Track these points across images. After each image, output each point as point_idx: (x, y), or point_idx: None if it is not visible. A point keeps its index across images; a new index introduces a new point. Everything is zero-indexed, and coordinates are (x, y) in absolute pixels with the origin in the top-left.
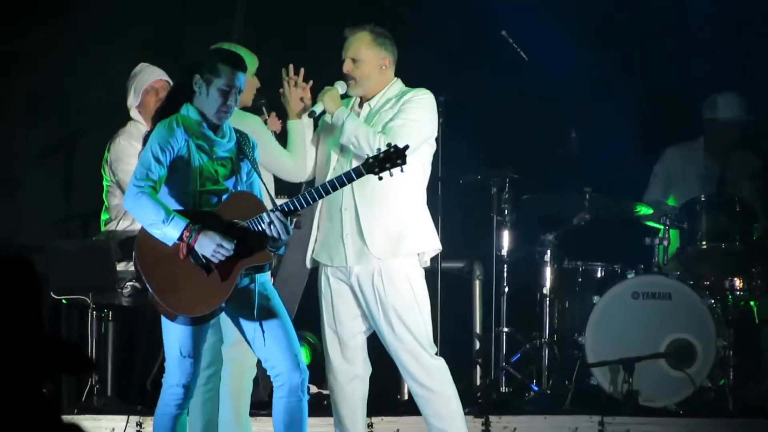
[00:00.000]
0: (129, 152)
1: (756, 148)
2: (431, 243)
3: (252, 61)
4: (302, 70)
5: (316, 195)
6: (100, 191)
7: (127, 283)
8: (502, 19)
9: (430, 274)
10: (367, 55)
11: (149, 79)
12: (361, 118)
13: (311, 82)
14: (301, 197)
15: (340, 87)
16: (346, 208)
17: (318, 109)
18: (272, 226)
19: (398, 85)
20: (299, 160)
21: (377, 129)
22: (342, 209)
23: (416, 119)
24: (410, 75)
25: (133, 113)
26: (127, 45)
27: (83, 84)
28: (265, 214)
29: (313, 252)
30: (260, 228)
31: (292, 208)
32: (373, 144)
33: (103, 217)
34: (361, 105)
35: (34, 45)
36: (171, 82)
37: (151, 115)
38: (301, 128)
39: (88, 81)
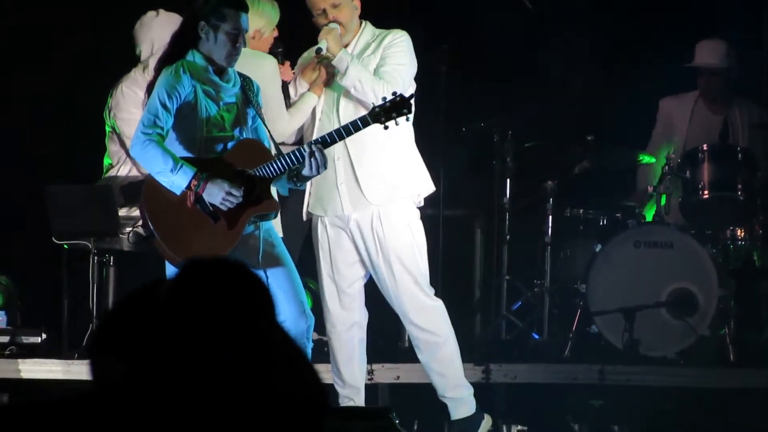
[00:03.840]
0: (129, 100)
1: (759, 97)
2: (426, 184)
3: (275, 13)
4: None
5: (337, 136)
6: (103, 135)
7: (128, 229)
8: None
9: (432, 221)
10: None
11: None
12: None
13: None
14: (335, 132)
15: (322, 44)
16: (338, 158)
17: (323, 46)
18: (313, 159)
19: (369, 27)
20: (293, 124)
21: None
22: (335, 159)
23: (403, 63)
24: (410, 21)
25: (151, 70)
26: None
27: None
28: (305, 146)
29: (308, 206)
30: (275, 170)
31: (329, 140)
32: (377, 91)
33: (105, 162)
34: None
35: None
36: None
37: None
38: (314, 102)
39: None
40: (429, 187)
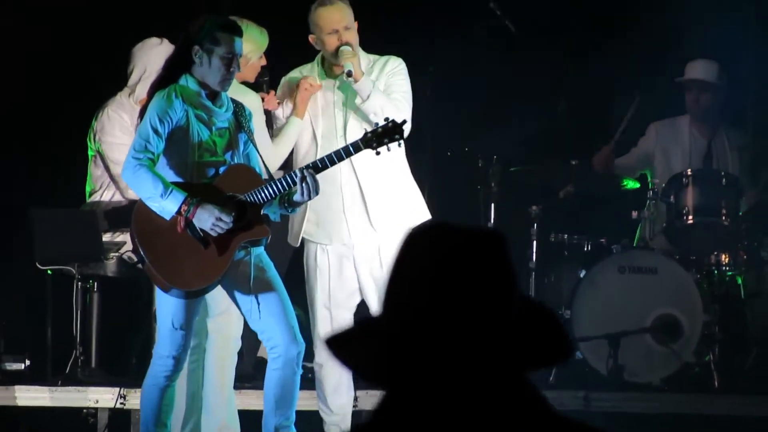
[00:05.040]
0: (114, 124)
1: (742, 123)
2: (425, 212)
3: (263, 39)
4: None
5: (329, 161)
6: (86, 160)
7: (112, 254)
8: None
9: None
10: (353, 21)
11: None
12: (344, 88)
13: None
14: (326, 158)
15: (348, 66)
16: (346, 184)
17: (349, 68)
18: (305, 184)
19: (362, 52)
20: (278, 153)
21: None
22: (341, 185)
23: (408, 90)
24: (396, 46)
25: (140, 95)
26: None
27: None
28: (297, 170)
29: (303, 231)
30: (266, 196)
31: (321, 166)
32: (393, 118)
33: (88, 188)
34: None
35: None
36: None
37: None
38: (300, 128)
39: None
40: (426, 215)
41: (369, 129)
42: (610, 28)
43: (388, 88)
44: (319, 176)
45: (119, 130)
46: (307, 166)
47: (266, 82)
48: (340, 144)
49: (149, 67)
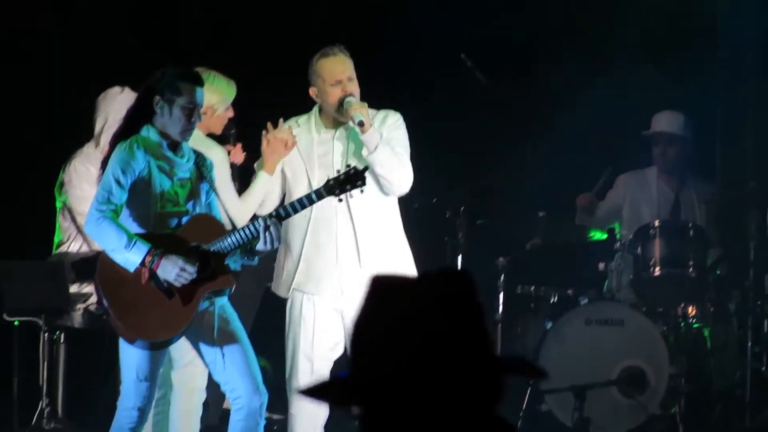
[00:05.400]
0: (81, 176)
1: (709, 175)
2: (413, 267)
3: (230, 91)
4: (289, 127)
5: (299, 206)
6: (54, 211)
7: (79, 305)
8: (460, 44)
9: None
10: (354, 73)
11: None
12: (343, 141)
13: (295, 138)
14: (289, 206)
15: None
16: (341, 236)
17: (360, 119)
18: (268, 233)
19: None
20: (245, 209)
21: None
22: (336, 237)
23: (406, 145)
24: (362, 98)
25: (104, 146)
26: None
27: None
28: (260, 219)
29: (293, 282)
30: (229, 245)
31: (284, 214)
32: (398, 171)
33: (56, 239)
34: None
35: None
36: None
37: None
38: (269, 183)
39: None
40: (414, 270)
41: (390, 184)
42: (582, 80)
43: (390, 142)
44: (313, 227)
45: (86, 183)
46: (270, 215)
47: (233, 134)
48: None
49: (111, 117)
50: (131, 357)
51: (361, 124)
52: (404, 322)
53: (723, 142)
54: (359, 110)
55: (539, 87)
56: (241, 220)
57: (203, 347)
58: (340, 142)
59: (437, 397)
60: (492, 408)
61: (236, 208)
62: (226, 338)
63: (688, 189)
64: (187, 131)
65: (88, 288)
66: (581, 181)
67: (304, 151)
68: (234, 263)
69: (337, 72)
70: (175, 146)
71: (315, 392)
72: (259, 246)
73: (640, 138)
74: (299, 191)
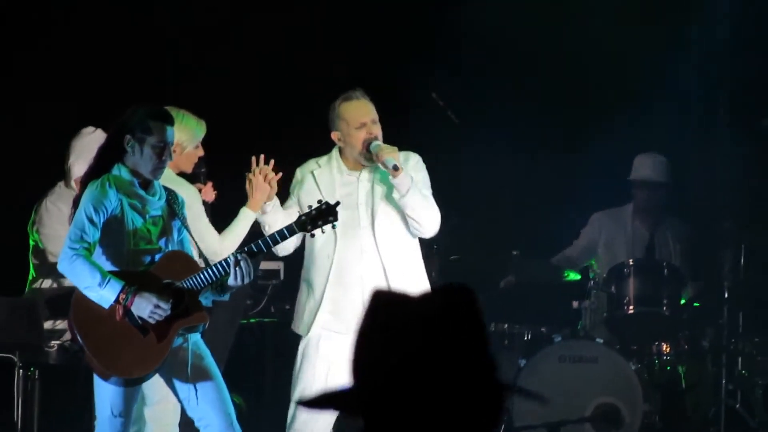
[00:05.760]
0: (53, 216)
1: (683, 214)
2: None
3: (199, 129)
4: (272, 162)
5: (271, 242)
6: (27, 248)
7: (54, 342)
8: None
9: None
10: (377, 115)
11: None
12: (368, 183)
13: (280, 174)
14: (260, 242)
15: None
16: (369, 276)
17: (394, 163)
18: (238, 268)
19: None
20: (225, 245)
21: (389, 192)
22: (362, 278)
23: (430, 185)
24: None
25: (73, 183)
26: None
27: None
28: (230, 255)
29: (314, 320)
30: (202, 282)
31: (256, 250)
32: (427, 213)
33: (29, 276)
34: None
35: None
36: None
37: None
38: (252, 220)
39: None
40: None
41: (420, 225)
42: (556, 120)
43: (417, 184)
44: (337, 267)
45: (57, 222)
46: (242, 251)
47: (204, 173)
48: (364, 236)
49: (83, 157)
50: (106, 393)
51: (395, 168)
52: (406, 333)
53: (697, 182)
54: (391, 154)
55: (514, 128)
56: (221, 256)
57: (177, 383)
58: (364, 183)
59: (438, 409)
60: (492, 423)
61: (216, 245)
62: (199, 374)
63: (663, 228)
64: (158, 170)
65: (62, 324)
66: (557, 221)
67: (327, 192)
68: (205, 299)
69: (361, 115)
70: (146, 184)
71: (318, 402)
72: (230, 281)
73: (617, 178)
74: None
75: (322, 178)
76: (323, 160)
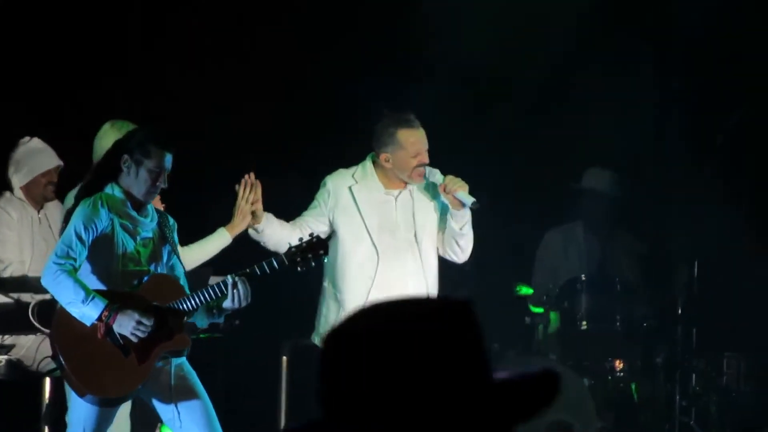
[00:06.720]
0: (2, 221)
1: (635, 230)
2: None
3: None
4: (259, 189)
5: (268, 270)
6: None
7: (1, 357)
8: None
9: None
10: None
11: (48, 164)
12: (407, 204)
13: (259, 203)
14: (257, 269)
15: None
16: (413, 292)
17: (473, 201)
18: (236, 290)
19: None
20: (187, 259)
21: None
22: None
23: None
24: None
25: (18, 192)
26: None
27: None
28: (229, 277)
29: None
30: (191, 306)
31: (251, 274)
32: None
33: None
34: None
35: None
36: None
37: (35, 197)
38: (226, 243)
39: None
40: None
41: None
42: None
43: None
44: (378, 288)
45: (6, 227)
46: (240, 274)
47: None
48: (408, 260)
49: (21, 165)
50: (80, 412)
51: (474, 205)
52: (388, 352)
53: (651, 196)
54: (464, 189)
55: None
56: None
57: (160, 406)
58: (402, 204)
59: None
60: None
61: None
62: (183, 395)
63: (615, 243)
64: (150, 194)
65: (10, 339)
66: (508, 235)
67: (366, 212)
68: (200, 321)
69: (421, 145)
70: (139, 206)
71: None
72: (227, 304)
73: (568, 191)
74: (360, 252)
75: (361, 196)
76: (358, 174)
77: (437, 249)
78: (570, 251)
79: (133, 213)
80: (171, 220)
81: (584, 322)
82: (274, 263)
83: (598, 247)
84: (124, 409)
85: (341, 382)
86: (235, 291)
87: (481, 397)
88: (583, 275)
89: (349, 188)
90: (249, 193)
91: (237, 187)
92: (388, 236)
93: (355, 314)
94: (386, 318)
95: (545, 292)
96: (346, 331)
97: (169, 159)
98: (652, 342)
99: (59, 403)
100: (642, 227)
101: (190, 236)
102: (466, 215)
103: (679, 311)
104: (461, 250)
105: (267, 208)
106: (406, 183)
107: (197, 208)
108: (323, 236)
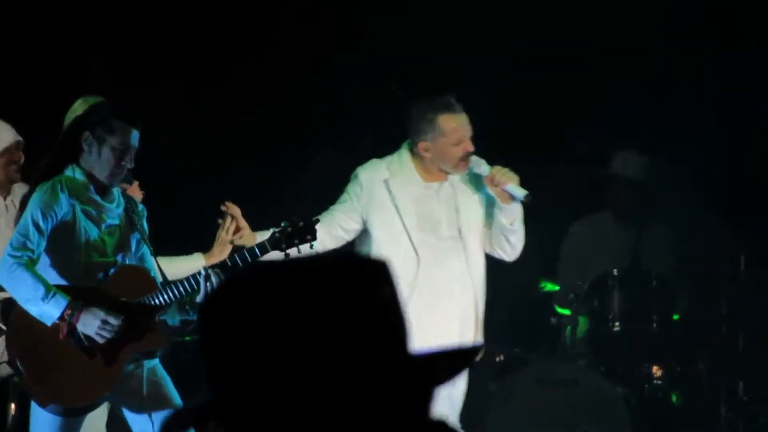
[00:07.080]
0: None
1: (668, 219)
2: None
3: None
4: (239, 219)
5: (240, 260)
6: None
7: None
8: None
9: None
10: None
11: (6, 139)
12: (449, 197)
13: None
14: (233, 257)
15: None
16: (462, 303)
17: (525, 193)
18: (209, 283)
19: None
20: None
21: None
22: (452, 310)
23: None
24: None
25: None
26: None
27: None
28: (202, 269)
29: None
30: (163, 301)
31: (230, 265)
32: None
33: None
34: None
35: None
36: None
37: None
38: (196, 268)
39: None
40: None
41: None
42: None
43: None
44: (420, 292)
45: None
46: (214, 266)
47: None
48: (452, 258)
49: None
50: (43, 423)
51: (527, 198)
52: (281, 324)
53: (694, 185)
54: (514, 181)
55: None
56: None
57: (131, 415)
58: (445, 197)
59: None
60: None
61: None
62: (157, 404)
63: (650, 235)
64: (115, 175)
65: None
66: (531, 229)
67: (404, 208)
68: (171, 318)
69: (464, 131)
70: (103, 189)
71: (169, 425)
72: (199, 299)
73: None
74: (397, 254)
75: (397, 190)
76: (394, 165)
77: (484, 247)
78: (598, 244)
79: (97, 198)
80: (140, 206)
81: (617, 323)
82: (256, 251)
83: (631, 238)
84: (100, 420)
85: (226, 359)
86: (208, 283)
87: (391, 372)
88: (615, 270)
89: (384, 181)
90: (230, 224)
91: (219, 220)
92: (429, 235)
93: (235, 279)
94: (274, 279)
95: (572, 289)
96: (227, 299)
97: (135, 135)
98: (694, 345)
99: (27, 410)
100: (674, 216)
101: (190, 237)
102: (517, 209)
103: (724, 310)
104: (511, 247)
105: (267, 209)
106: (446, 173)
107: (198, 209)
108: (312, 220)
